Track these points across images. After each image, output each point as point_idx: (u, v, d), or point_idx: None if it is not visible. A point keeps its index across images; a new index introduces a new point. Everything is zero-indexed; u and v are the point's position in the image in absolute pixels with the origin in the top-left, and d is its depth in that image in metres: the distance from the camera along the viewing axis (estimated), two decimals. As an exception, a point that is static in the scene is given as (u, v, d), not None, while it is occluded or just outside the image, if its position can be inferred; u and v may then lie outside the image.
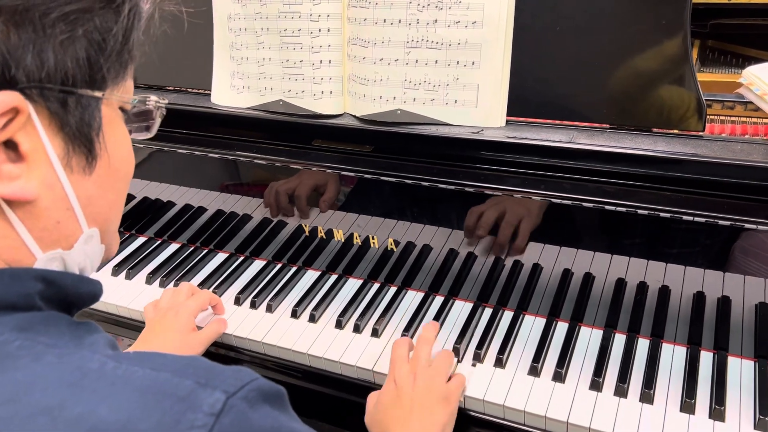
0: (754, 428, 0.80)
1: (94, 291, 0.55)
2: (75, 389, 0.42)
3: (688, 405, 0.83)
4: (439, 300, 1.06)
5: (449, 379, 0.88)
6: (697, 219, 0.83)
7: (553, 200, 0.90)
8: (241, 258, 1.19)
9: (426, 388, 0.84)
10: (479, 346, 0.95)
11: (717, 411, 0.82)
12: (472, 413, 0.89)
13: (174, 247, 1.25)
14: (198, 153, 1.12)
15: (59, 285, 0.50)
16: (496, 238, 0.97)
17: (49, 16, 0.45)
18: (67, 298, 0.52)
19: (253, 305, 1.08)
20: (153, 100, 0.59)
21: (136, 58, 0.53)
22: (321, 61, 1.00)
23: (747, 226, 0.81)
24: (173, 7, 0.60)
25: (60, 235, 0.51)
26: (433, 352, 0.91)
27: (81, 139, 0.49)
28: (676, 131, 0.88)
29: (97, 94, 0.49)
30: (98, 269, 1.20)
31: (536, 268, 0.98)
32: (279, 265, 1.16)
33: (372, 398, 0.89)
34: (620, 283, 0.94)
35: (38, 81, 0.45)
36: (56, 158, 0.48)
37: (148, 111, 0.59)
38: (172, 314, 0.99)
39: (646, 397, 0.85)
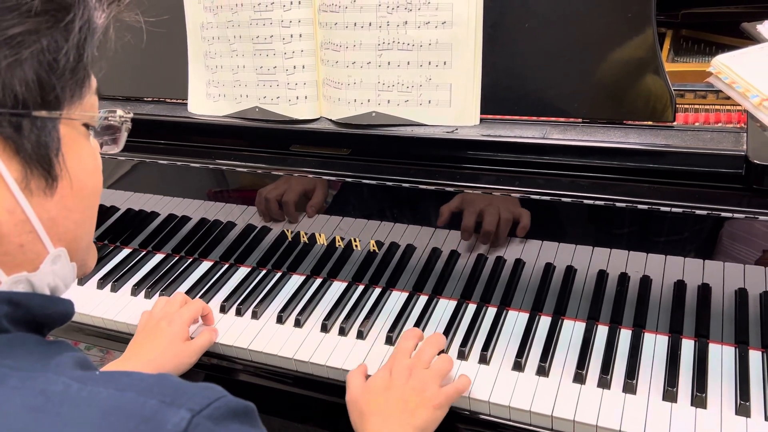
0: (735, 413, 0.81)
1: (64, 311, 0.54)
2: (38, 414, 0.42)
3: (670, 393, 0.84)
4: (423, 299, 1.07)
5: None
6: (674, 210, 0.84)
7: (531, 196, 0.90)
8: (226, 266, 1.19)
9: (417, 389, 0.84)
10: (463, 343, 0.96)
11: (698, 398, 0.83)
12: (457, 411, 0.90)
13: (159, 257, 1.25)
14: (179, 163, 1.12)
15: (26, 306, 0.50)
16: (478, 235, 0.98)
17: None
18: (36, 318, 0.51)
19: (239, 312, 1.08)
20: (117, 114, 0.58)
21: (94, 73, 0.52)
22: (294, 67, 1.00)
23: (723, 214, 0.82)
24: (133, 17, 0.59)
25: (24, 258, 0.51)
26: None
27: (39, 162, 0.48)
28: (648, 123, 0.88)
29: (53, 114, 0.48)
30: (82, 283, 1.20)
31: (518, 264, 0.99)
32: (263, 272, 1.17)
33: (354, 377, 0.89)
34: (602, 275, 0.94)
35: None
36: (14, 182, 0.47)
37: (113, 125, 0.59)
38: (166, 323, 0.99)
39: (629, 387, 0.86)
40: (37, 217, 0.50)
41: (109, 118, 0.57)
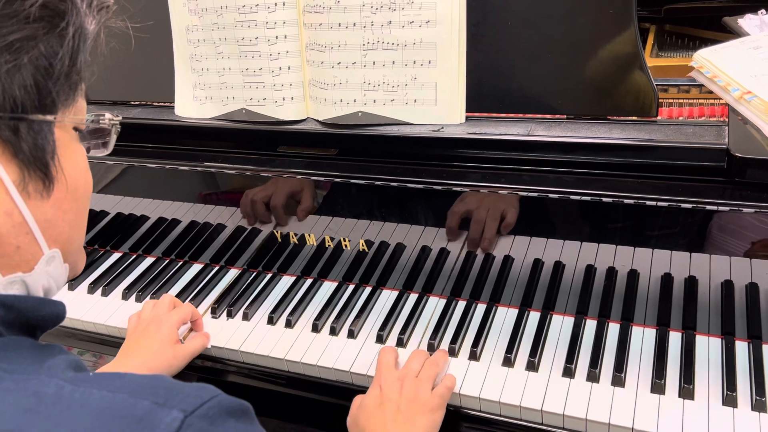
0: (723, 404, 0.82)
1: (56, 312, 0.55)
2: (31, 415, 0.43)
3: (658, 386, 0.85)
4: (413, 297, 1.07)
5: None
6: (659, 203, 0.85)
7: (518, 193, 0.91)
8: (216, 268, 1.19)
9: (411, 398, 0.84)
10: (453, 340, 0.96)
11: (686, 390, 0.83)
12: (448, 407, 0.90)
13: (149, 260, 1.25)
14: (167, 166, 1.12)
15: (19, 309, 0.50)
16: (468, 233, 0.98)
17: None
18: (29, 321, 0.52)
19: (230, 314, 1.09)
20: (107, 118, 0.59)
21: (86, 78, 0.53)
22: (280, 68, 1.00)
23: (707, 207, 0.83)
24: (119, 23, 0.60)
25: (21, 260, 0.51)
26: (410, 353, 0.92)
27: (36, 164, 0.49)
28: (631, 118, 0.89)
29: (49, 117, 0.49)
30: (73, 288, 1.20)
31: (507, 260, 1.00)
32: (254, 273, 1.17)
33: (357, 400, 0.89)
34: (589, 270, 0.95)
35: None
36: (12, 185, 0.48)
37: (103, 129, 0.60)
38: (155, 326, 0.99)
39: (618, 380, 0.86)
40: (34, 219, 0.51)
41: (100, 122, 0.58)
